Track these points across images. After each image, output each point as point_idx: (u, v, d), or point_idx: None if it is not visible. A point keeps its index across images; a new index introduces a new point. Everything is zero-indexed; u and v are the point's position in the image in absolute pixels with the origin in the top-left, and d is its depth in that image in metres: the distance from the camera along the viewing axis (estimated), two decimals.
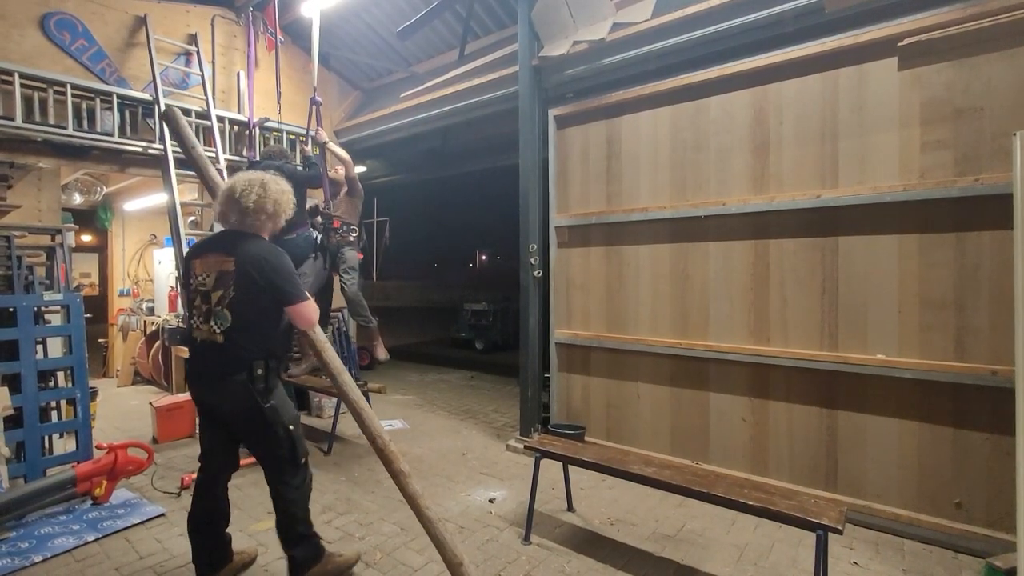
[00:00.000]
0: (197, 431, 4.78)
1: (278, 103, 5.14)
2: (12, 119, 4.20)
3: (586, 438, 4.41)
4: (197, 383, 2.48)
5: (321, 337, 2.63)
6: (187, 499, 3.55)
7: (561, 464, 3.35)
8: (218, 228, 2.65)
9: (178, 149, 4.91)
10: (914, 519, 3.08)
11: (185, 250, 4.51)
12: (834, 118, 3.40)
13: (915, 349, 3.13)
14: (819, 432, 3.45)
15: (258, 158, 5.68)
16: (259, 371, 2.35)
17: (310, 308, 2.43)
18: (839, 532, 2.23)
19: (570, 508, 3.47)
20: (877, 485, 3.24)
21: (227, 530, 2.63)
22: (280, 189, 2.50)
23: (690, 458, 3.95)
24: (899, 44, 3.11)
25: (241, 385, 2.33)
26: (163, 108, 4.76)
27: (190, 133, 3.48)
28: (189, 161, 3.32)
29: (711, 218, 3.86)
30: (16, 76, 4.21)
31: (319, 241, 4.43)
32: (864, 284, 3.29)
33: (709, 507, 3.06)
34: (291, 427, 2.46)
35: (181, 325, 5.02)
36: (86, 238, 12.43)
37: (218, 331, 2.33)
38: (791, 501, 2.43)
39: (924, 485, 3.10)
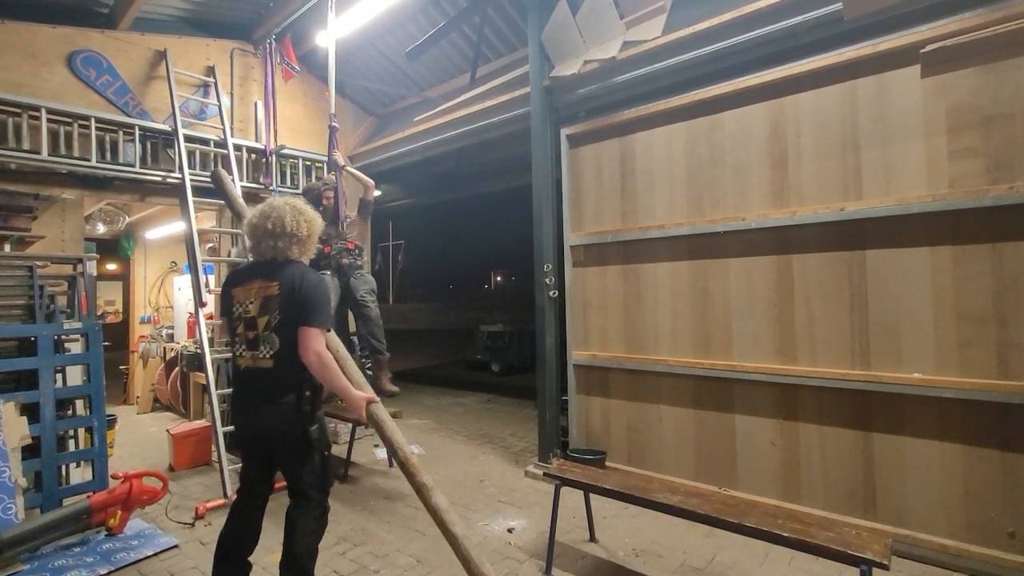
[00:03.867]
0: (213, 459, 4.77)
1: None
2: (38, 152, 4.33)
3: (607, 463, 4.26)
4: (243, 410, 2.52)
5: (330, 358, 2.46)
6: (201, 530, 3.52)
7: (582, 491, 3.22)
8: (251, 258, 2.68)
9: (196, 177, 5.06)
10: (963, 550, 2.87)
11: (202, 277, 4.57)
12: (855, 129, 3.30)
13: (954, 367, 2.97)
14: (854, 456, 3.27)
15: (274, 185, 5.79)
16: (307, 393, 2.40)
17: (322, 338, 2.38)
18: (885, 567, 2.07)
19: (592, 538, 3.33)
20: (920, 513, 3.04)
21: (249, 558, 2.55)
22: (308, 210, 2.55)
23: (717, 484, 3.77)
24: (922, 51, 3.03)
25: (290, 407, 2.37)
26: (212, 169, 5.02)
27: (233, 189, 3.79)
28: (235, 214, 3.46)
29: (730, 234, 3.76)
30: (43, 111, 4.35)
31: (331, 263, 4.42)
32: (896, 299, 3.15)
33: (740, 537, 2.88)
34: (326, 454, 2.52)
35: (199, 351, 5.06)
36: (111, 267, 12.75)
37: (267, 356, 2.38)
38: (830, 533, 2.28)
39: (972, 513, 2.90)
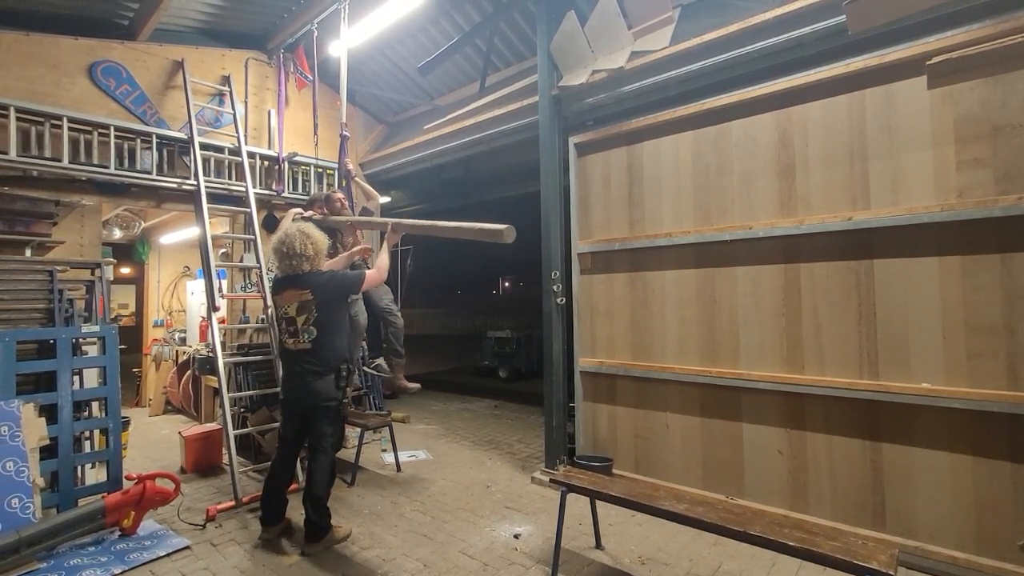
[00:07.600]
0: (224, 462, 4.82)
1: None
2: (60, 160, 4.44)
3: (613, 470, 4.27)
4: (291, 382, 3.36)
5: (378, 271, 3.51)
6: (212, 532, 3.59)
7: (588, 498, 3.24)
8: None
9: (211, 184, 5.16)
10: (973, 563, 2.85)
11: (216, 281, 4.68)
12: (862, 139, 3.32)
13: (963, 377, 2.96)
14: (863, 466, 3.25)
15: (286, 192, 5.88)
16: (344, 373, 3.31)
17: (370, 275, 3.42)
18: None
19: (598, 545, 3.33)
20: (930, 524, 3.02)
21: (286, 495, 3.54)
22: (313, 232, 3.35)
23: (724, 492, 3.77)
24: (928, 63, 3.04)
25: (332, 381, 3.28)
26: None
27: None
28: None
29: (737, 242, 3.77)
30: (65, 120, 4.46)
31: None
32: (904, 308, 3.15)
33: (747, 546, 2.88)
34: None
35: (211, 355, 5.14)
36: (125, 270, 12.94)
37: (306, 341, 3.25)
38: (836, 542, 2.28)
39: (983, 525, 2.88)
